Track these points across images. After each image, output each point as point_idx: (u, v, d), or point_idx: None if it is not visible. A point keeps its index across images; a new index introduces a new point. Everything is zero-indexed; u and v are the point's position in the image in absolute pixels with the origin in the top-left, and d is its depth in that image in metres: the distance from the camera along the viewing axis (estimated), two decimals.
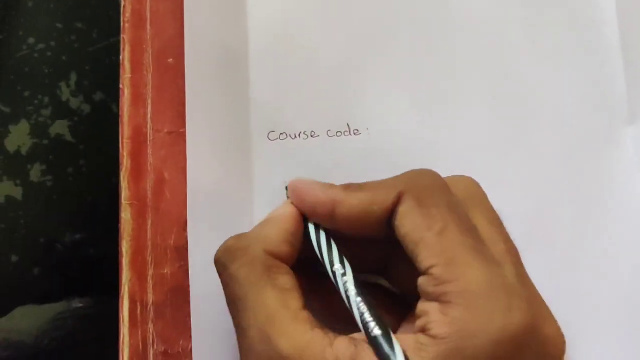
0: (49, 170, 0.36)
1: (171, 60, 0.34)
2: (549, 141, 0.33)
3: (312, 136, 0.33)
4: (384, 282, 0.30)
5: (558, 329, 0.26)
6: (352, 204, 0.26)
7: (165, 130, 0.33)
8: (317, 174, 0.33)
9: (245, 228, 0.31)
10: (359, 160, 0.33)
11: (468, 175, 0.29)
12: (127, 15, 0.34)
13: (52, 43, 0.37)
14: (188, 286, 0.31)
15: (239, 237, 0.27)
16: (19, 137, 0.36)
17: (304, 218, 0.28)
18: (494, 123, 0.34)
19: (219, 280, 0.30)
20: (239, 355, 0.30)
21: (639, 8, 0.34)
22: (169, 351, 0.31)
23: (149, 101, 0.33)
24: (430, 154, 0.33)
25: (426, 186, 0.26)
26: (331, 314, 0.26)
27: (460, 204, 0.26)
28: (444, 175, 0.29)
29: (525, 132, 0.33)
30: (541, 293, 0.27)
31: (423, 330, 0.23)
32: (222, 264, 0.27)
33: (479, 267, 0.24)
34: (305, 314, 0.25)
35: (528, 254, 0.32)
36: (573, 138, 0.33)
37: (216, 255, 0.27)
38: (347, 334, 0.25)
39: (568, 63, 0.34)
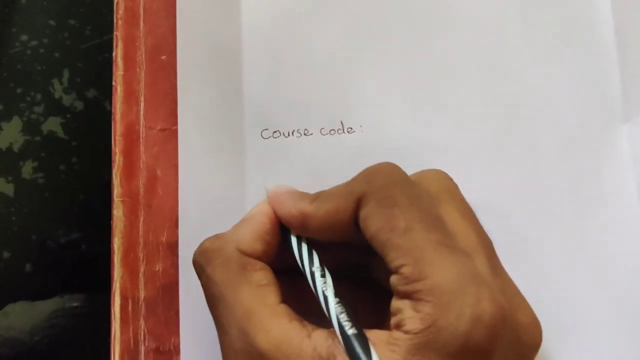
0: (41, 167, 0.36)
1: (164, 57, 0.34)
2: (544, 139, 0.33)
3: (305, 134, 0.33)
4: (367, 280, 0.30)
5: (533, 317, 0.26)
6: (319, 215, 0.26)
7: (158, 128, 0.33)
8: (310, 173, 0.33)
9: None
10: (353, 159, 0.33)
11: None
12: (120, 12, 0.34)
13: (45, 40, 0.37)
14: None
15: (214, 238, 0.28)
16: (11, 134, 0.36)
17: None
18: (489, 121, 0.33)
19: None
20: None
21: (634, 7, 0.34)
22: (160, 348, 0.31)
23: (142, 98, 0.33)
24: (424, 152, 0.33)
25: (385, 184, 0.26)
26: (308, 312, 0.26)
27: (424, 196, 0.26)
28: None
29: (521, 130, 0.33)
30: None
31: (397, 327, 0.23)
32: (200, 265, 0.27)
33: (447, 262, 0.24)
34: (282, 308, 0.25)
35: (521, 251, 0.32)
36: (568, 136, 0.33)
37: (193, 257, 0.28)
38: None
39: (564, 61, 0.34)
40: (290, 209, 0.27)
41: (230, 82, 0.34)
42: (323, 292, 0.25)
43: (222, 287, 0.26)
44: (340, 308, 0.24)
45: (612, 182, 0.33)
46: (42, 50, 0.37)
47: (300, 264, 0.27)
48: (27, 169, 0.35)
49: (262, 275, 0.26)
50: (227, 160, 0.33)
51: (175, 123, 0.33)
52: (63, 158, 0.36)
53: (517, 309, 0.25)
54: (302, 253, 0.27)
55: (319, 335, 0.24)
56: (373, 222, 0.25)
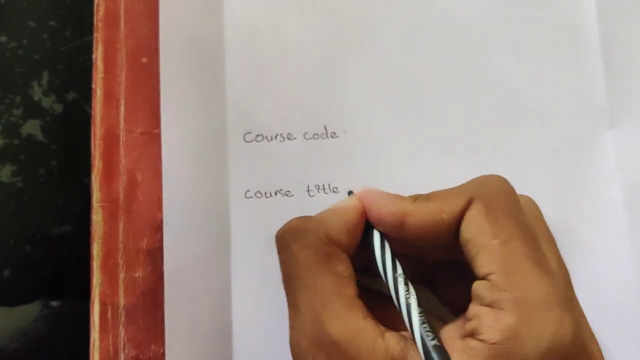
0: (20, 171, 0.35)
1: (145, 59, 0.33)
2: (530, 145, 0.33)
3: (288, 138, 0.33)
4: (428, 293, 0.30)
5: (600, 350, 0.26)
6: (422, 214, 0.27)
7: (139, 131, 0.33)
8: (293, 177, 0.33)
9: (222, 230, 0.31)
10: (336, 163, 0.33)
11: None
12: (101, 13, 0.34)
13: (25, 41, 0.36)
14: (160, 290, 0.31)
15: (303, 218, 0.28)
16: None
17: (367, 226, 0.28)
18: (474, 126, 0.33)
19: (194, 283, 0.31)
20: (216, 358, 0.30)
21: (619, 13, 0.34)
22: (140, 356, 0.31)
23: (122, 101, 0.33)
24: (408, 157, 0.33)
25: (495, 193, 0.26)
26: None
27: (525, 213, 0.27)
28: None
29: (506, 135, 0.33)
30: None
31: (473, 334, 0.24)
32: (284, 241, 0.27)
33: (538, 279, 0.24)
34: (359, 302, 0.26)
35: None
36: (554, 142, 0.33)
37: (278, 232, 0.28)
38: None
39: (549, 68, 0.34)
40: (388, 206, 0.27)
41: (213, 84, 0.33)
42: (406, 299, 0.25)
43: (305, 268, 0.26)
44: (422, 318, 0.24)
45: (597, 188, 0.33)
46: (21, 52, 0.36)
47: (382, 270, 0.27)
48: (6, 172, 0.35)
49: (344, 267, 0.26)
50: (210, 164, 0.33)
51: (156, 126, 0.33)
52: (42, 161, 0.35)
53: (589, 339, 0.26)
54: (385, 259, 0.27)
55: (392, 337, 0.25)
56: (476, 225, 0.25)
